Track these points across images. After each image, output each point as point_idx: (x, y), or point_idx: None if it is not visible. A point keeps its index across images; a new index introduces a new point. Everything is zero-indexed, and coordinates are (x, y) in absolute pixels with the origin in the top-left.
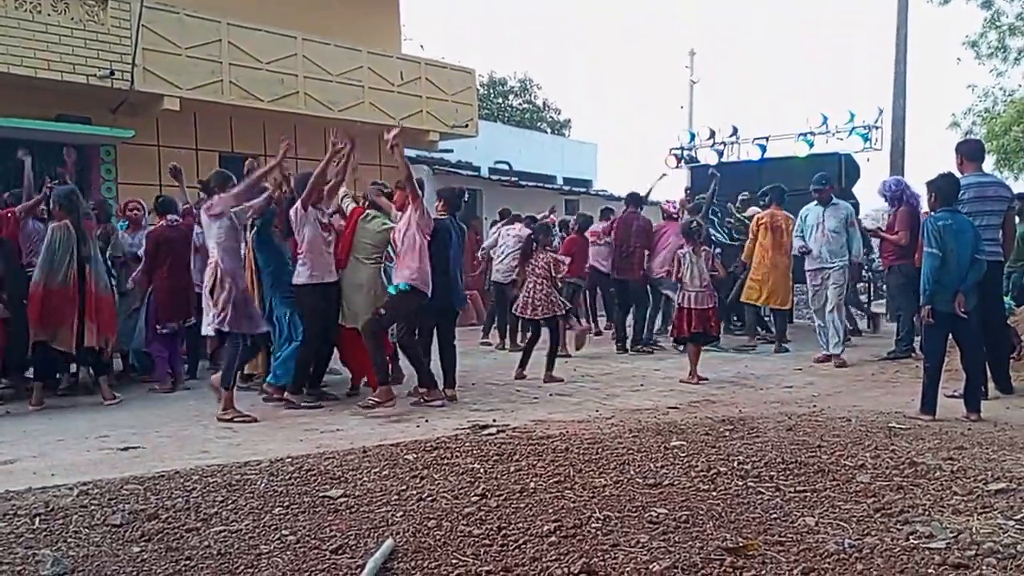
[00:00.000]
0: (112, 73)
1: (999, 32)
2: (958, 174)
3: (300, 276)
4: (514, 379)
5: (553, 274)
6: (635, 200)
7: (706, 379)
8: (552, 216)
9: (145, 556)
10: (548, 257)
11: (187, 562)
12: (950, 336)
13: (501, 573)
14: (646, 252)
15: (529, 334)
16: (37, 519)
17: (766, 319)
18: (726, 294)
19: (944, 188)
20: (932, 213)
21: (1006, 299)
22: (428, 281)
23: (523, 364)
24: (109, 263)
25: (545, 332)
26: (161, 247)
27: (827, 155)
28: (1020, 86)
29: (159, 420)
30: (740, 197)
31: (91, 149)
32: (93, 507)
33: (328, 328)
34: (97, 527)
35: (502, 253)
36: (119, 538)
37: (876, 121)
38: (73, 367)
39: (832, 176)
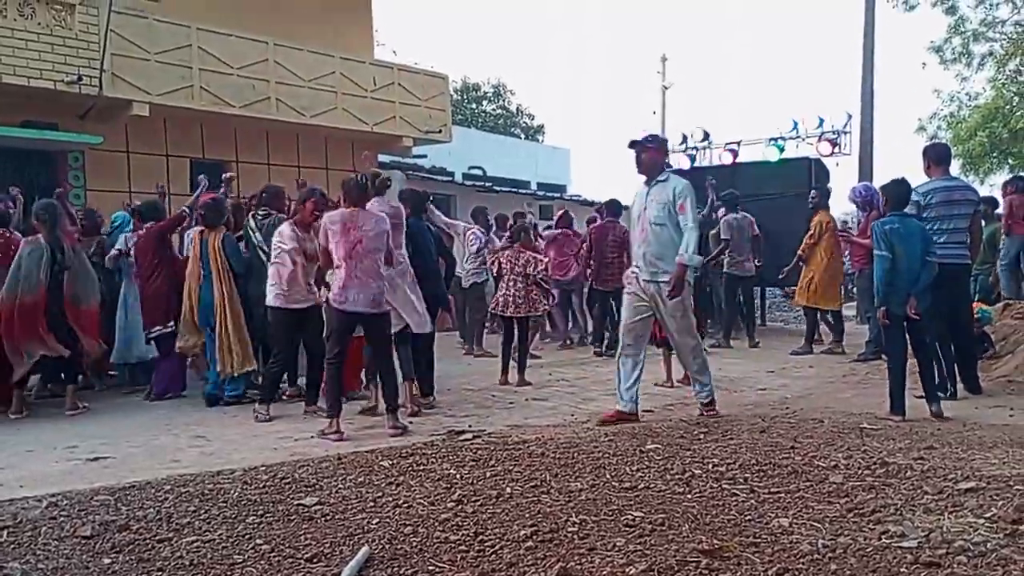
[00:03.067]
0: (80, 78)
1: (963, 38)
2: (925, 177)
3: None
4: (499, 385)
5: (529, 272)
6: (613, 208)
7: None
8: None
9: (116, 568)
10: (527, 256)
11: (159, 573)
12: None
13: None
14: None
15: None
16: (5, 532)
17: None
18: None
19: (895, 193)
20: (882, 217)
21: (985, 307)
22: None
23: (505, 370)
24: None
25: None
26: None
27: (797, 159)
28: (984, 91)
29: (129, 430)
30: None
31: (58, 156)
32: (62, 519)
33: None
34: (67, 539)
35: (467, 255)
36: (89, 550)
37: (845, 126)
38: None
39: (802, 179)
